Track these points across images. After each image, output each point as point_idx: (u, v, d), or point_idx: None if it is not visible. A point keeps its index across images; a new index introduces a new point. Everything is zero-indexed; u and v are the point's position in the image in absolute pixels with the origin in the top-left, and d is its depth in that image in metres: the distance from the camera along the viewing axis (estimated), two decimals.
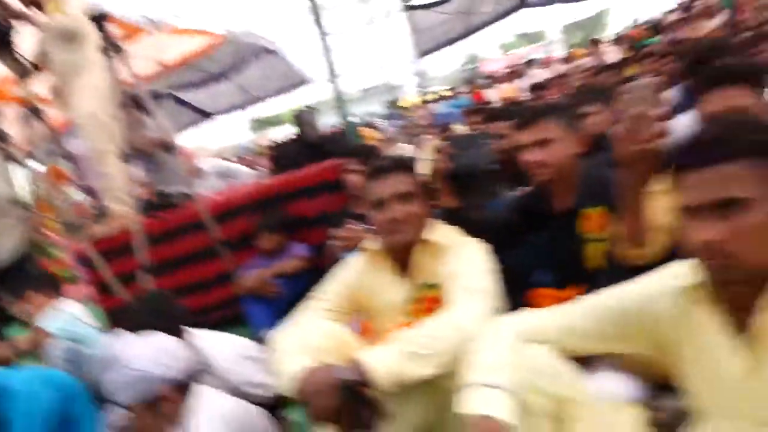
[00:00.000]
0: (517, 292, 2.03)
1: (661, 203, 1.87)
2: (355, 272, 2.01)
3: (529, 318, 1.44)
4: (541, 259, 2.50)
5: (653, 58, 6.72)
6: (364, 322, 2.12)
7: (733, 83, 1.76)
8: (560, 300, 2.11)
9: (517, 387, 1.23)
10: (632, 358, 1.71)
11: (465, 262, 1.81)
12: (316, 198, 3.86)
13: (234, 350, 1.97)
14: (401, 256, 1.94)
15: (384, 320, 1.97)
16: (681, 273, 1.25)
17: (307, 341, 1.73)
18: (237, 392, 1.93)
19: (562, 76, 9.32)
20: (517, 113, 2.14)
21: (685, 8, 12.24)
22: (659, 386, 1.78)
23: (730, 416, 1.20)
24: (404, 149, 8.17)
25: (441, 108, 10.35)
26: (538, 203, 2.22)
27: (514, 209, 2.32)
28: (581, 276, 2.13)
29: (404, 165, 1.93)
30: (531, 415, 1.24)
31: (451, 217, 2.09)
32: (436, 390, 1.59)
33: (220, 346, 1.95)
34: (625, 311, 1.32)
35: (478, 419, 1.17)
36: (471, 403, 1.21)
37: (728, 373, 1.17)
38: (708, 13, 11.10)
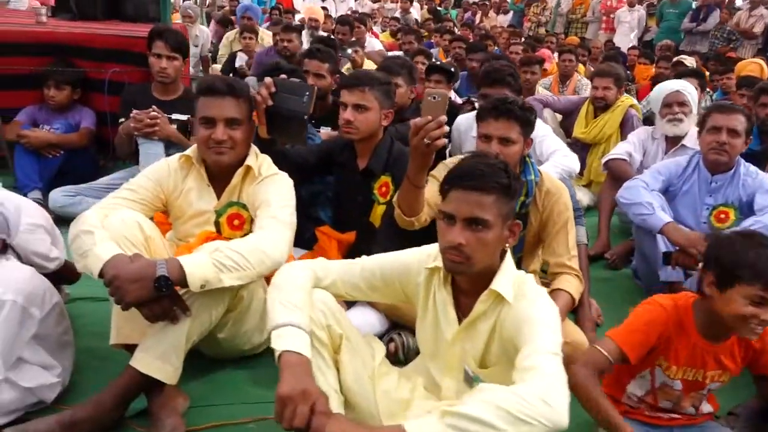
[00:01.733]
0: (304, 222, 2.35)
1: (433, 187, 2.36)
2: (170, 174, 2.11)
3: (320, 267, 1.72)
4: (330, 201, 2.88)
5: (446, 36, 7.45)
6: (158, 214, 2.24)
7: (507, 119, 2.25)
8: (339, 240, 2.53)
9: (310, 325, 1.55)
10: (385, 303, 2.20)
11: (275, 193, 2.03)
12: (118, 64, 3.71)
13: (26, 218, 1.92)
14: (217, 172, 2.11)
15: (188, 224, 2.13)
16: (434, 254, 1.68)
17: (118, 229, 1.83)
18: (27, 262, 1.92)
19: (367, 15, 9.66)
20: (348, 77, 2.44)
21: None
22: (397, 325, 2.34)
23: (437, 361, 1.71)
24: (203, 31, 7.85)
25: None
26: (342, 155, 2.56)
27: (321, 152, 2.62)
28: (360, 226, 2.56)
29: (238, 90, 2.04)
30: (319, 346, 1.57)
31: (263, 147, 2.26)
32: (226, 298, 1.86)
33: (17, 213, 1.89)
34: (392, 273, 1.72)
35: (288, 355, 1.42)
36: (281, 339, 1.45)
37: (444, 336, 1.66)
38: (504, 9, 12.50)
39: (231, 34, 7.57)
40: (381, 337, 2.28)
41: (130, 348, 1.82)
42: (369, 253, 2.43)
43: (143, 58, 3.50)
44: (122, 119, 3.41)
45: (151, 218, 2.10)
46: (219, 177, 2.12)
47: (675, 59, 5.49)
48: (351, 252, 2.56)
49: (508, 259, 1.61)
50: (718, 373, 1.79)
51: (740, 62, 6.39)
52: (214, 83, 2.04)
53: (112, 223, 1.85)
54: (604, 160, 3.67)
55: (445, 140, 1.87)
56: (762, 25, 8.53)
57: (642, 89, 6.62)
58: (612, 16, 10.24)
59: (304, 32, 6.87)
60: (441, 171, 2.39)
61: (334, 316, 1.61)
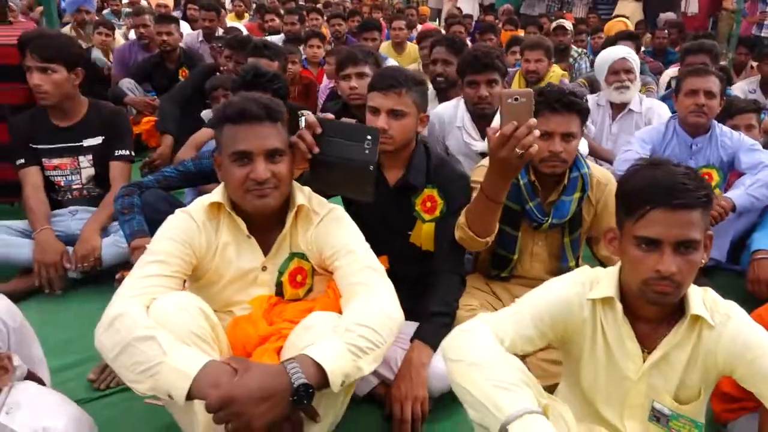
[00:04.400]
0: None
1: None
2: (199, 230, 1.59)
3: (494, 325, 1.40)
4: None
5: (311, 14, 7.05)
6: None
7: (569, 111, 2.02)
8: None
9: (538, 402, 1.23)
10: None
11: (348, 235, 1.64)
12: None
13: None
14: (258, 218, 1.64)
15: (228, 290, 1.63)
16: (589, 281, 1.44)
17: (181, 323, 1.32)
18: None
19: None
20: (380, 76, 2.01)
21: None
22: None
23: (613, 403, 1.47)
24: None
25: None
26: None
27: None
28: (394, 249, 2.20)
29: (276, 112, 1.58)
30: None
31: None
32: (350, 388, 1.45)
33: None
34: (557, 314, 1.42)
35: None
36: None
37: (623, 373, 1.40)
38: None
39: (67, 29, 6.40)
40: None
41: None
42: (408, 280, 2.16)
43: (21, 72, 2.73)
44: (21, 160, 2.65)
45: None
46: (261, 224, 1.64)
47: (555, 24, 5.65)
48: None
49: None
50: None
51: (609, 22, 6.82)
52: (246, 106, 1.54)
53: (167, 316, 1.34)
54: None
55: (536, 146, 1.60)
56: None
57: None
58: None
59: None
60: (481, 175, 2.13)
61: (535, 386, 1.29)
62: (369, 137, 1.66)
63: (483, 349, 1.29)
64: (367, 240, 2.24)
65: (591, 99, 3.74)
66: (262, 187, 1.53)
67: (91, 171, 2.81)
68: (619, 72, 3.48)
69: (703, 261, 1.34)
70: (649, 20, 8.52)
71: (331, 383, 1.26)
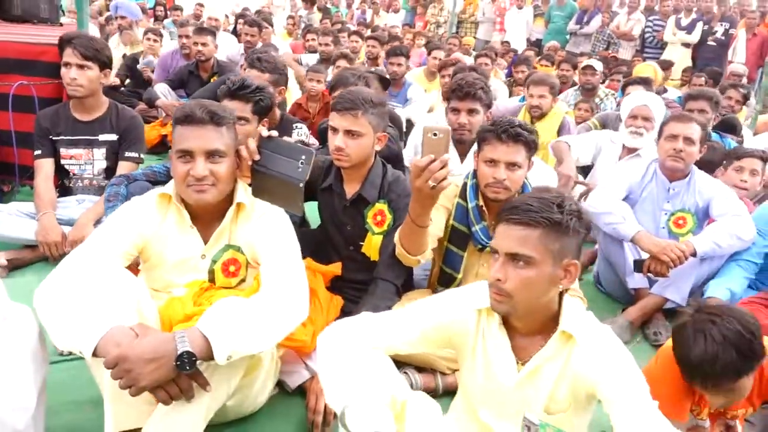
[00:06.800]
0: None
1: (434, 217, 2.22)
2: (147, 216, 1.80)
3: (371, 326, 1.54)
4: (300, 228, 2.64)
5: (354, 37, 7.32)
6: None
7: (515, 142, 2.14)
8: (324, 273, 2.31)
9: (384, 397, 1.36)
10: None
11: (278, 233, 1.80)
12: (24, 76, 3.20)
13: None
14: (201, 211, 1.82)
15: (169, 273, 1.82)
16: (484, 293, 1.55)
17: (104, 291, 1.51)
18: None
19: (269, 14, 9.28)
20: (340, 98, 2.19)
21: None
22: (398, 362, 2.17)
23: (490, 408, 1.58)
24: (92, 31, 7.11)
25: None
26: (326, 180, 2.34)
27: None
28: (347, 257, 2.36)
29: (221, 117, 1.76)
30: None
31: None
32: (245, 364, 1.61)
33: None
34: (444, 320, 1.56)
35: None
36: (361, 422, 1.27)
37: (499, 381, 1.52)
38: (395, 8, 12.55)
39: (116, 37, 6.91)
40: None
41: None
42: (357, 285, 2.31)
43: (55, 69, 3.05)
44: (38, 151, 2.96)
45: None
46: (203, 217, 1.83)
47: (584, 63, 5.71)
48: (335, 283, 2.36)
49: (569, 300, 1.52)
50: (741, 411, 1.82)
51: (637, 66, 6.83)
52: (193, 111, 1.74)
53: (93, 284, 1.53)
54: (550, 144, 3.79)
55: (451, 179, 1.74)
56: (639, 28, 9.23)
57: None
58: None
59: None
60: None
61: (394, 382, 1.43)
62: (303, 157, 1.83)
63: (345, 344, 1.43)
64: (326, 248, 2.44)
65: (606, 133, 3.83)
66: (201, 184, 1.72)
67: (103, 164, 3.09)
68: (637, 117, 3.57)
69: (561, 286, 1.45)
70: (697, 67, 8.43)
71: (215, 355, 1.42)
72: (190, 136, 1.72)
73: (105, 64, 3.02)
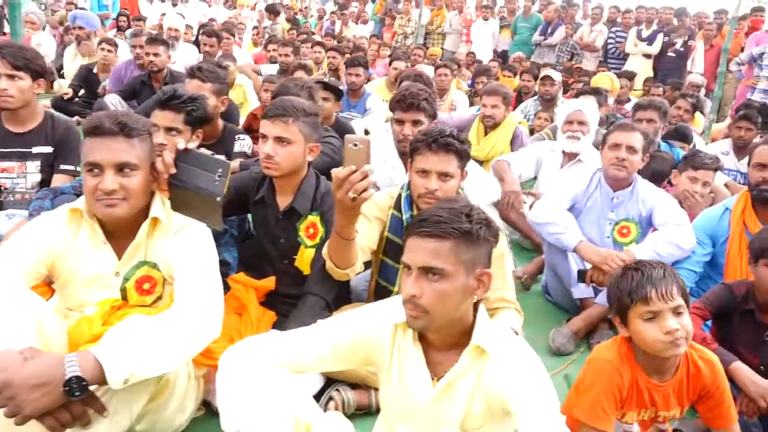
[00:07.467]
0: None
1: (363, 228, 2.18)
2: (58, 232, 1.72)
3: (277, 344, 1.49)
4: (237, 241, 2.58)
5: (318, 48, 7.28)
6: None
7: (446, 152, 2.12)
8: (257, 288, 2.25)
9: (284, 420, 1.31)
10: None
11: (195, 249, 1.74)
12: None
13: None
14: (114, 227, 1.75)
15: (81, 291, 1.75)
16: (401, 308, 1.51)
17: (1, 314, 1.43)
18: None
19: (232, 25, 9.20)
20: (271, 105, 2.15)
21: (341, 5, 13.58)
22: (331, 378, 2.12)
23: (408, 425, 1.53)
24: (48, 39, 7.01)
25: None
26: (259, 192, 2.28)
27: (232, 191, 2.31)
28: (281, 271, 2.30)
29: (132, 128, 1.69)
30: None
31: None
32: (150, 387, 1.54)
33: None
34: (359, 336, 1.51)
35: None
36: None
37: (415, 398, 1.47)
38: (363, 19, 12.57)
39: (73, 47, 6.80)
40: (319, 395, 2.06)
41: None
42: (291, 300, 2.25)
43: None
44: None
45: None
46: (118, 233, 1.76)
47: (543, 74, 5.75)
48: (270, 298, 2.30)
49: (483, 311, 1.48)
50: (671, 413, 1.80)
51: (595, 75, 6.90)
52: (101, 121, 1.67)
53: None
54: (491, 164, 3.80)
55: (373, 191, 1.70)
56: (602, 39, 9.35)
57: None
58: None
59: None
60: (370, 208, 2.22)
61: (299, 403, 1.37)
62: (220, 170, 1.76)
63: (244, 365, 1.38)
64: (260, 261, 2.37)
65: (546, 144, 3.84)
66: (110, 198, 1.65)
67: (38, 177, 2.98)
68: (572, 122, 3.64)
69: (476, 296, 1.41)
70: (658, 77, 8.56)
71: (108, 380, 1.34)
72: (98, 148, 1.65)
73: (37, 73, 2.90)
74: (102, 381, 1.35)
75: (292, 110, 2.11)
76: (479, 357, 1.43)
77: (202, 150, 1.85)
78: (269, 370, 1.40)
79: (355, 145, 1.61)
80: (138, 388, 1.46)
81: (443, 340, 1.46)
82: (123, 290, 1.73)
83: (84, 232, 1.76)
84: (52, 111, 3.09)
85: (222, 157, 1.86)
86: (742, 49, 7.54)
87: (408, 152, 2.90)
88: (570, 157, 3.71)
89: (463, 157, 2.12)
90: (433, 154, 2.07)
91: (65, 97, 5.58)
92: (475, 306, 1.47)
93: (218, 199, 1.76)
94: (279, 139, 2.11)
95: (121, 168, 1.66)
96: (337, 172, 1.63)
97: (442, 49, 10.62)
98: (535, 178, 3.89)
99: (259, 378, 1.37)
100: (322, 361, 1.50)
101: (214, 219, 1.82)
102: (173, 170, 1.76)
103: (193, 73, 3.05)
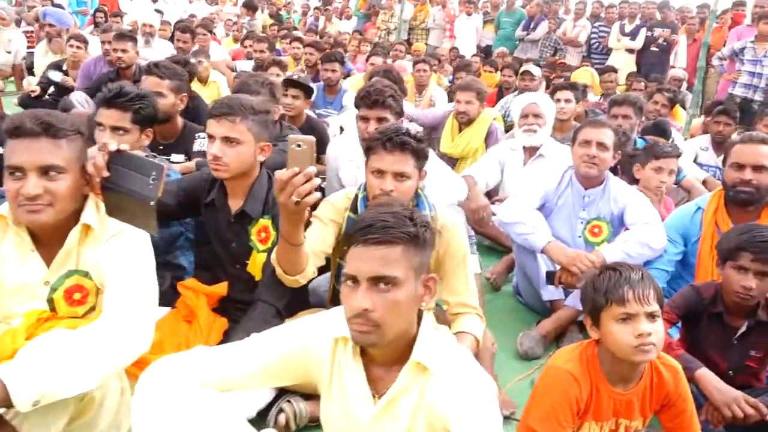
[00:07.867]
0: (161, 272, 1.93)
1: (318, 231, 2.08)
2: None
3: (200, 362, 1.39)
4: (192, 244, 2.48)
5: (296, 44, 7.16)
6: None
7: (402, 151, 2.03)
8: (208, 294, 2.15)
9: None
10: None
11: (128, 257, 1.63)
12: None
13: None
14: (43, 234, 1.65)
15: (7, 302, 1.64)
16: (340, 320, 1.40)
17: None
18: None
19: (209, 20, 9.08)
20: (218, 104, 2.04)
21: (325, 1, 13.46)
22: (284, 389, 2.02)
23: None
24: (17, 35, 6.83)
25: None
26: (210, 194, 2.19)
27: (183, 193, 2.21)
28: (233, 276, 2.20)
29: (57, 129, 1.56)
30: None
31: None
32: (70, 407, 1.43)
33: None
34: (291, 351, 1.42)
35: None
36: None
37: (356, 416, 1.38)
38: (347, 15, 12.45)
39: (44, 44, 6.65)
40: (270, 406, 1.97)
41: None
42: (244, 306, 2.15)
43: None
44: None
45: None
46: (47, 240, 1.65)
47: (523, 69, 5.67)
48: (223, 304, 2.20)
49: (426, 322, 1.39)
50: (633, 424, 1.73)
51: (576, 71, 6.84)
52: (23, 122, 1.54)
53: None
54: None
55: (318, 194, 1.61)
56: (585, 34, 9.27)
57: (488, 97, 6.84)
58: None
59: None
60: (325, 210, 2.13)
61: (225, 424, 1.28)
62: (154, 173, 1.65)
63: (164, 387, 1.28)
64: (212, 267, 2.27)
65: (504, 145, 3.76)
66: (34, 203, 1.54)
67: None
68: (528, 116, 3.59)
69: (423, 304, 1.33)
70: (641, 72, 8.50)
71: (15, 403, 1.25)
72: (20, 150, 1.54)
73: None
74: (8, 404, 1.25)
75: (240, 108, 2.01)
76: (421, 374, 1.34)
77: (136, 152, 1.74)
78: (192, 389, 1.31)
79: (299, 145, 1.52)
80: (55, 409, 1.36)
81: (385, 356, 1.37)
82: (50, 301, 1.62)
83: (10, 240, 1.65)
84: None
85: (158, 159, 1.76)
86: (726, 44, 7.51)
87: None
88: (531, 152, 3.65)
89: (421, 156, 2.03)
90: (388, 153, 1.98)
91: (32, 95, 5.43)
92: (419, 316, 1.38)
93: (152, 203, 1.66)
94: (227, 139, 2.01)
95: (45, 171, 1.55)
96: (279, 175, 1.54)
97: (426, 44, 10.52)
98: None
99: (178, 398, 1.27)
100: (250, 379, 1.40)
101: (149, 223, 1.71)
102: (106, 173, 1.66)
103: (150, 69, 2.94)
